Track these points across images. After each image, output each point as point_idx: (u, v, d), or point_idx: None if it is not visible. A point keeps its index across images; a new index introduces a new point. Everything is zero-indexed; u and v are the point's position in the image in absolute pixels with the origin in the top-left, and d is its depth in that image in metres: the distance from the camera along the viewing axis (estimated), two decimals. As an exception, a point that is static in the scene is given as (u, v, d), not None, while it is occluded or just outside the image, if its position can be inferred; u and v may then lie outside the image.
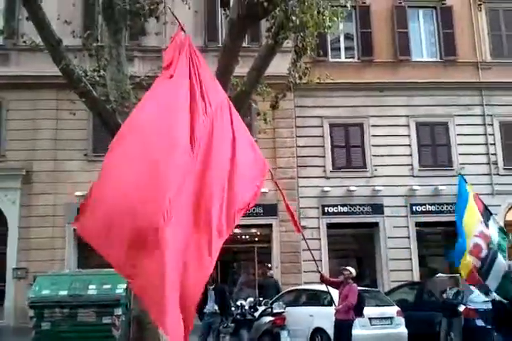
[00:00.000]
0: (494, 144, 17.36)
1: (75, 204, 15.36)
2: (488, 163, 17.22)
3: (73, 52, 9.54)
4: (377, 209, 16.56)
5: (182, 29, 3.97)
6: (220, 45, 13.36)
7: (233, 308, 9.53)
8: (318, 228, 16.32)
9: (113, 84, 8.94)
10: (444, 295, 9.78)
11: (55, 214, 15.37)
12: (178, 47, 3.59)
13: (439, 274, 11.44)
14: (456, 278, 10.06)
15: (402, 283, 14.16)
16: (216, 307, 9.07)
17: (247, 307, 9.57)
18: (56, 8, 13.57)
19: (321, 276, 7.77)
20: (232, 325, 9.34)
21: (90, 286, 7.60)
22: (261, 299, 10.98)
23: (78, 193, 15.23)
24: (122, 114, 8.79)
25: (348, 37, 17.96)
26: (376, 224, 16.61)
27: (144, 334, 8.89)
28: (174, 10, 13.94)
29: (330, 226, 16.41)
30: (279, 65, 9.84)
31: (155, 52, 16.39)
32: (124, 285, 7.55)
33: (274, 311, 9.37)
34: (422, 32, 18.22)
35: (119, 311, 7.37)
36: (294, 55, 9.36)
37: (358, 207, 16.52)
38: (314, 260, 6.83)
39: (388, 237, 16.37)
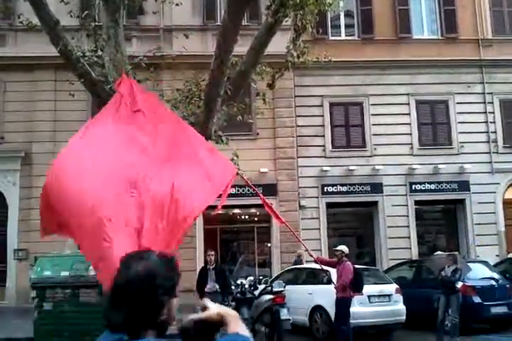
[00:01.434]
0: (494, 122, 17.32)
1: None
2: (488, 142, 17.20)
3: (71, 32, 9.45)
4: (377, 188, 16.62)
5: (126, 74, 4.87)
6: (218, 23, 13.19)
7: (233, 287, 9.65)
8: (318, 207, 16.40)
9: (111, 64, 8.88)
10: (443, 273, 9.89)
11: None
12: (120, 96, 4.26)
13: (438, 252, 11.55)
14: (454, 256, 10.16)
15: (401, 261, 14.30)
16: (217, 287, 9.20)
17: (247, 286, 9.68)
18: (52, -13, 13.36)
19: (316, 259, 7.87)
20: (233, 303, 9.48)
21: (91, 267, 7.68)
22: (261, 277, 11.11)
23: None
24: (121, 94, 8.76)
25: (348, 14, 17.72)
26: (375, 203, 16.69)
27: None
28: (172, -12, 13.69)
29: (329, 205, 16.49)
30: (278, 44, 9.75)
31: (153, 32, 16.24)
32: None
33: (274, 289, 9.49)
34: (423, 9, 17.98)
35: (120, 291, 7.47)
36: (293, 33, 9.27)
37: (357, 186, 16.57)
38: (299, 240, 6.90)
39: (387, 216, 16.47)
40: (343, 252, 9.21)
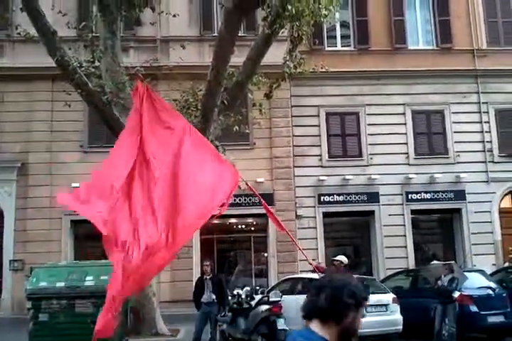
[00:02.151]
0: (489, 132, 17.41)
1: (71, 196, 15.43)
2: (484, 151, 17.27)
3: (68, 43, 9.51)
4: (373, 197, 16.64)
5: (141, 79, 4.96)
6: (215, 34, 13.28)
7: (230, 297, 9.61)
8: (315, 217, 16.40)
9: (108, 75, 8.94)
10: (439, 282, 9.88)
11: (52, 205, 15.38)
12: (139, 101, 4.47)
13: (434, 261, 11.54)
14: (450, 265, 10.16)
15: (398, 270, 14.28)
16: (214, 297, 9.16)
17: (243, 296, 9.65)
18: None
19: (314, 267, 7.87)
20: (229, 313, 9.44)
21: (87, 277, 7.63)
22: (257, 287, 11.08)
23: (74, 185, 15.22)
24: (118, 105, 8.81)
25: (344, 25, 17.87)
26: (372, 212, 16.70)
27: (141, 324, 9.01)
28: (169, 0, 13.89)
29: (326, 215, 16.49)
30: (275, 55, 9.83)
31: (150, 42, 16.33)
32: (122, 276, 7.62)
33: (271, 300, 9.46)
34: (418, 20, 18.15)
35: (116, 302, 7.42)
36: (289, 44, 9.35)
37: (353, 195, 16.59)
38: (300, 249, 6.89)
39: (384, 225, 16.48)
40: (341, 262, 9.19)
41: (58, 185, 15.36)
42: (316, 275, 11.47)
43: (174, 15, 10.88)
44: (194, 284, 10.13)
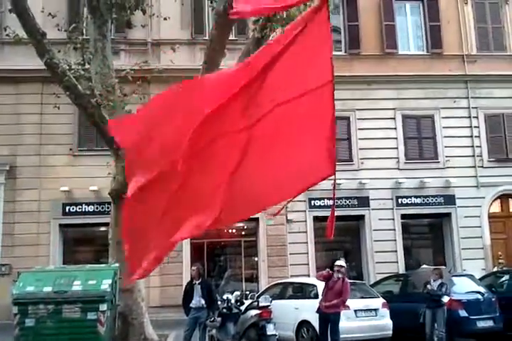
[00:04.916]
0: (479, 137, 17.52)
1: (59, 200, 15.30)
2: (473, 156, 17.37)
3: (58, 45, 9.43)
4: (364, 201, 16.66)
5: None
6: (207, 38, 13.25)
7: (219, 302, 9.55)
8: (305, 221, 16.38)
9: (98, 77, 8.88)
10: (429, 287, 9.89)
11: (40, 209, 15.24)
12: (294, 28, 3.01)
13: (424, 266, 11.56)
14: (439, 270, 10.17)
15: (388, 274, 14.27)
16: (203, 302, 9.08)
17: (233, 301, 9.59)
18: (40, 1, 13.37)
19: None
20: (219, 318, 9.37)
21: (75, 282, 7.53)
22: (247, 292, 11.03)
23: (63, 188, 15.13)
24: (107, 107, 8.74)
25: (335, 30, 17.91)
26: (362, 216, 16.71)
27: (129, 329, 8.91)
28: (160, 2, 13.91)
29: (317, 219, 16.47)
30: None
31: (141, 45, 16.27)
32: (110, 281, 7.52)
33: (260, 304, 9.41)
34: (409, 25, 18.26)
35: (104, 307, 7.33)
36: (280, 48, 9.31)
37: (344, 199, 16.58)
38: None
39: (374, 230, 16.49)
40: (344, 267, 9.18)
41: (47, 188, 15.24)
42: (307, 280, 11.48)
43: (165, 18, 10.83)
44: (183, 289, 10.05)
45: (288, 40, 2.98)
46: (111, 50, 9.62)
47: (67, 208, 15.38)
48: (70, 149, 15.63)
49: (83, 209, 15.39)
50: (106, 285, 7.45)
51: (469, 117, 17.55)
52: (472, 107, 17.56)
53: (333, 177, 2.91)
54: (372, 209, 16.64)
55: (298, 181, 3.06)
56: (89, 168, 14.52)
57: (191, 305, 9.16)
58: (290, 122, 3.04)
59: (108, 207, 13.60)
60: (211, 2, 9.35)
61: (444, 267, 10.86)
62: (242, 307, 9.76)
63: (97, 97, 8.35)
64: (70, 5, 15.83)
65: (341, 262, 9.34)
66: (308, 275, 15.03)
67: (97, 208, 15.27)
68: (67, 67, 8.78)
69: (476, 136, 17.47)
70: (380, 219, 16.55)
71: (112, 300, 7.66)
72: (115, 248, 8.79)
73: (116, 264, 8.24)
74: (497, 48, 18.21)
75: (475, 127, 17.52)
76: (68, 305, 7.42)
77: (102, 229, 14.31)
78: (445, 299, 9.79)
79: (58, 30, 9.83)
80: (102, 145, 10.67)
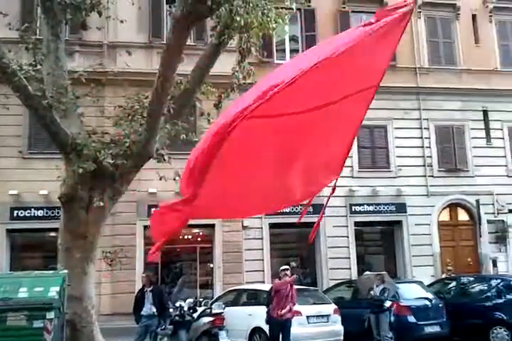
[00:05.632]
0: (430, 147, 18.06)
1: (7, 204, 14.76)
2: (424, 165, 17.88)
3: (8, 45, 9.12)
4: (318, 209, 16.79)
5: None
6: (164, 41, 13.15)
7: (171, 310, 9.43)
8: (261, 228, 16.41)
9: (50, 78, 8.64)
10: (372, 292, 10.10)
11: (-14, 214, 14.66)
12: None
13: (366, 272, 11.79)
14: (381, 276, 10.40)
15: (340, 281, 14.46)
16: (154, 310, 8.95)
17: (186, 308, 9.49)
18: (-9, -2, 12.97)
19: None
20: (171, 326, 9.25)
21: (21, 289, 7.25)
22: (201, 299, 10.94)
23: (12, 192, 14.62)
24: (59, 109, 8.51)
25: (293, 39, 18.15)
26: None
27: (78, 337, 8.65)
28: (117, 5, 13.74)
29: (272, 226, 16.53)
30: (224, 65, 9.81)
31: (97, 47, 15.98)
32: (57, 288, 7.29)
33: (213, 311, 9.34)
34: (364, 37, 18.67)
35: (51, 315, 7.08)
36: (238, 55, 9.34)
37: (299, 207, 16.70)
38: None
39: (328, 236, 16.69)
40: (286, 270, 9.22)
41: (-6, 192, 14.68)
42: (261, 286, 11.48)
43: (122, 21, 10.67)
44: (134, 296, 9.87)
45: (371, 32, 3.03)
46: (65, 51, 9.39)
47: (15, 212, 14.86)
48: (20, 152, 15.13)
49: (32, 214, 14.90)
50: (53, 292, 7.21)
51: (420, 128, 18.08)
52: (423, 119, 18.11)
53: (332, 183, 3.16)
54: (327, 216, 16.83)
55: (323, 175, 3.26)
56: (39, 171, 14.08)
57: (142, 312, 9.01)
58: (337, 117, 3.18)
59: (58, 212, 13.20)
60: (169, 7, 9.30)
61: (385, 272, 11.09)
62: (195, 315, 9.67)
63: (48, 99, 8.11)
64: (23, 4, 15.40)
65: (285, 266, 9.42)
66: (264, 282, 15.05)
67: (46, 213, 14.82)
68: (18, 68, 8.50)
69: (426, 147, 18.01)
70: (334, 226, 16.77)
71: (59, 307, 7.41)
72: (64, 254, 8.53)
73: (65, 271, 7.99)
74: (448, 62, 18.88)
75: (426, 138, 18.05)
76: (13, 313, 7.13)
77: (52, 234, 13.90)
78: (387, 304, 10.01)
79: (10, 29, 9.51)
80: (53, 148, 10.36)
